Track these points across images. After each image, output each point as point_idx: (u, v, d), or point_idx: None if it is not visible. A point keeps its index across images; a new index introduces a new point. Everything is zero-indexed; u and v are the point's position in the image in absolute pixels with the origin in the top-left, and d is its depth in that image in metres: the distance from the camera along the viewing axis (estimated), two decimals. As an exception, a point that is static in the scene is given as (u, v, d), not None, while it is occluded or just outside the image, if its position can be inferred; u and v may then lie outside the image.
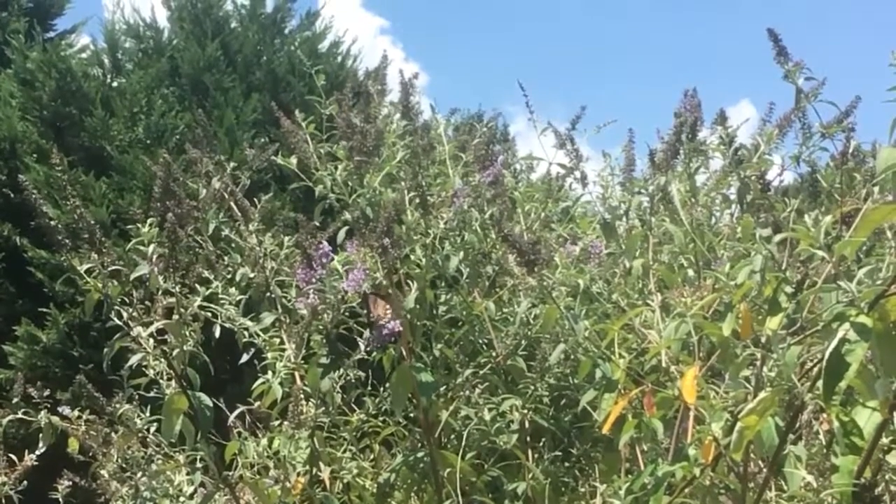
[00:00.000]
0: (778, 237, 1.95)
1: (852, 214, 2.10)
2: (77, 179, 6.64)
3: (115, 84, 7.94)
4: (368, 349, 2.54)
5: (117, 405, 2.61)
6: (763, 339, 1.97)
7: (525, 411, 2.82)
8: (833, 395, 1.67)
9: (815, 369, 1.88)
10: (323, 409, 2.67)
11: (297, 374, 2.86)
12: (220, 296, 2.85)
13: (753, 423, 1.85)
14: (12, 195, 6.95)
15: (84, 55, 8.61)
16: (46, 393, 2.82)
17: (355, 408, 3.11)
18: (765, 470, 2.08)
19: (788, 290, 1.88)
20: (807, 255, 1.98)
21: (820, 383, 1.70)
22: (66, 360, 6.45)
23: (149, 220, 2.55)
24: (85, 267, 2.40)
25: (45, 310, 6.48)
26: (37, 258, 6.68)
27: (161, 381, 2.77)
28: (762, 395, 1.86)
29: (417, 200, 2.76)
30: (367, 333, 2.54)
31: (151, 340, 2.60)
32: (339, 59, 8.69)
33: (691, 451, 2.17)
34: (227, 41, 8.08)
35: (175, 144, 6.95)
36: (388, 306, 2.68)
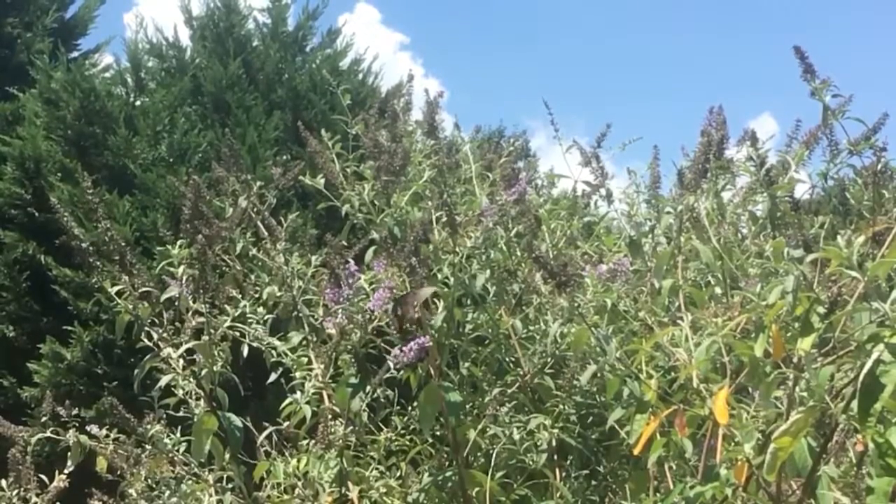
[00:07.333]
0: (810, 257, 1.94)
1: (883, 233, 2.09)
2: (102, 198, 6.67)
3: (138, 103, 7.98)
4: (398, 366, 2.53)
5: (148, 426, 2.61)
6: (794, 360, 1.96)
7: (554, 430, 2.81)
8: (868, 416, 1.66)
9: (849, 390, 1.87)
10: (351, 428, 2.67)
11: (324, 393, 2.87)
12: (248, 315, 2.85)
13: (787, 444, 1.83)
14: (37, 214, 6.99)
15: (107, 74, 8.66)
16: (74, 412, 2.83)
17: (382, 426, 3.11)
18: (797, 491, 2.07)
19: (821, 310, 1.87)
20: (837, 275, 1.97)
21: (854, 404, 1.70)
22: (91, 377, 6.46)
23: (179, 242, 2.56)
24: (116, 289, 2.41)
25: (69, 328, 6.51)
26: (61, 276, 6.71)
27: (189, 400, 2.78)
28: (795, 415, 1.84)
29: (445, 219, 2.77)
30: (395, 351, 2.53)
31: (181, 361, 2.61)
32: (361, 76, 8.71)
33: (722, 471, 2.15)
34: (249, 59, 8.11)
35: (198, 163, 6.99)
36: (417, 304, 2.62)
